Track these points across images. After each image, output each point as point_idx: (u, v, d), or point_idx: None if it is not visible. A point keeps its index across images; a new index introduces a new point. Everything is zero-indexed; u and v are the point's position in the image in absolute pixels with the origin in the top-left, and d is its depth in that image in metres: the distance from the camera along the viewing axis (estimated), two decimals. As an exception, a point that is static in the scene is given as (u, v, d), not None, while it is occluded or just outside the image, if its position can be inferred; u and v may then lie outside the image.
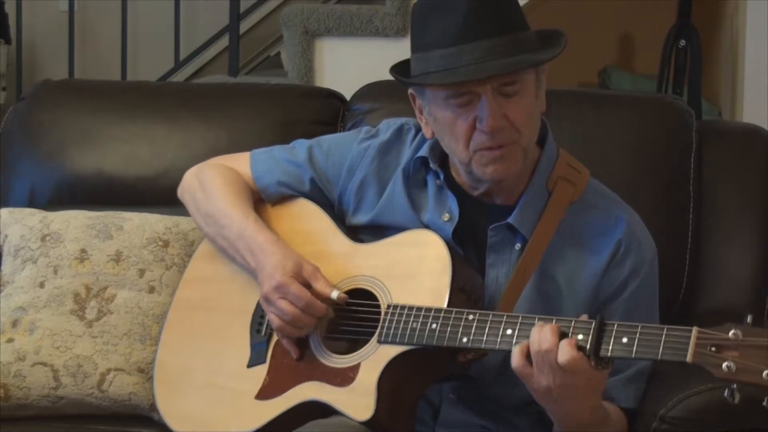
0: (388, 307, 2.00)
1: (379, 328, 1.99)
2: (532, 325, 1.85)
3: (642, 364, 2.05)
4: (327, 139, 2.28)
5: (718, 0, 4.76)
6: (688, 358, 1.72)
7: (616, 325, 1.81)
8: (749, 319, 1.71)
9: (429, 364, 2.00)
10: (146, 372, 2.39)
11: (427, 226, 2.10)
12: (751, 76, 4.07)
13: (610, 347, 1.79)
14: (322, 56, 4.21)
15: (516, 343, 1.86)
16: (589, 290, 2.05)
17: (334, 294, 2.04)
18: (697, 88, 4.17)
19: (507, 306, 2.00)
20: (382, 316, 2.00)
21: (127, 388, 2.38)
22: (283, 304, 2.04)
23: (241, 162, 2.29)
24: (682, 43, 4.17)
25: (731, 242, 2.49)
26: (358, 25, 4.16)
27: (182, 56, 4.89)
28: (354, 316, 2.06)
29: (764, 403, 1.69)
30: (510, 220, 2.05)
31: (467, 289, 2.00)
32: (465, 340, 1.91)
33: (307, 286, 2.05)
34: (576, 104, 2.64)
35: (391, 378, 1.96)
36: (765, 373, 1.66)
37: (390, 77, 2.09)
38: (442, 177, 2.11)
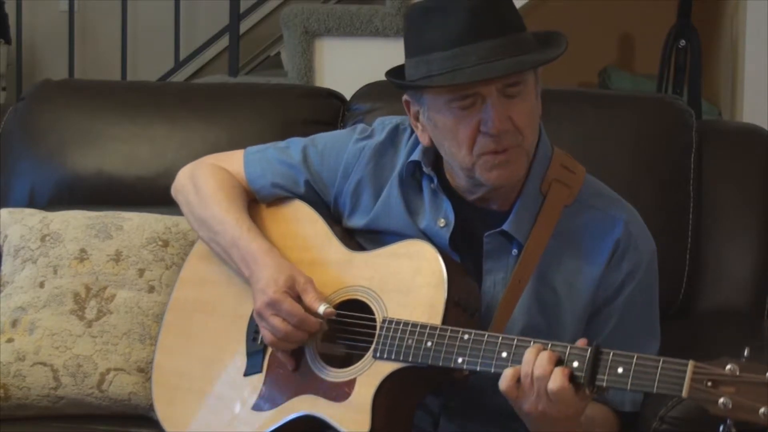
0: (384, 321, 1.98)
1: (374, 343, 1.97)
2: (528, 348, 1.84)
3: None
4: (322, 139, 2.24)
5: (718, 0, 4.76)
6: (684, 393, 1.68)
7: (612, 354, 1.78)
8: (746, 352, 1.67)
9: (425, 380, 1.99)
10: (146, 372, 2.38)
11: (423, 232, 2.08)
12: (751, 76, 4.07)
13: (605, 377, 1.78)
14: (321, 56, 4.21)
15: (510, 366, 1.84)
16: (588, 295, 2.03)
17: (321, 308, 2.00)
18: (697, 88, 4.16)
19: (504, 314, 1.99)
20: (377, 331, 1.98)
21: (127, 387, 2.38)
22: (276, 321, 2.01)
23: (235, 162, 2.25)
24: (682, 43, 4.17)
25: (731, 242, 2.48)
26: (358, 25, 4.16)
27: (182, 56, 4.89)
28: (349, 329, 2.04)
29: None
30: (505, 227, 2.03)
31: (463, 302, 1.97)
32: (460, 360, 1.89)
33: (299, 299, 2.03)
34: (576, 104, 2.64)
35: (386, 394, 1.94)
36: (762, 411, 1.62)
37: (389, 77, 2.08)
38: (435, 181, 2.08)
